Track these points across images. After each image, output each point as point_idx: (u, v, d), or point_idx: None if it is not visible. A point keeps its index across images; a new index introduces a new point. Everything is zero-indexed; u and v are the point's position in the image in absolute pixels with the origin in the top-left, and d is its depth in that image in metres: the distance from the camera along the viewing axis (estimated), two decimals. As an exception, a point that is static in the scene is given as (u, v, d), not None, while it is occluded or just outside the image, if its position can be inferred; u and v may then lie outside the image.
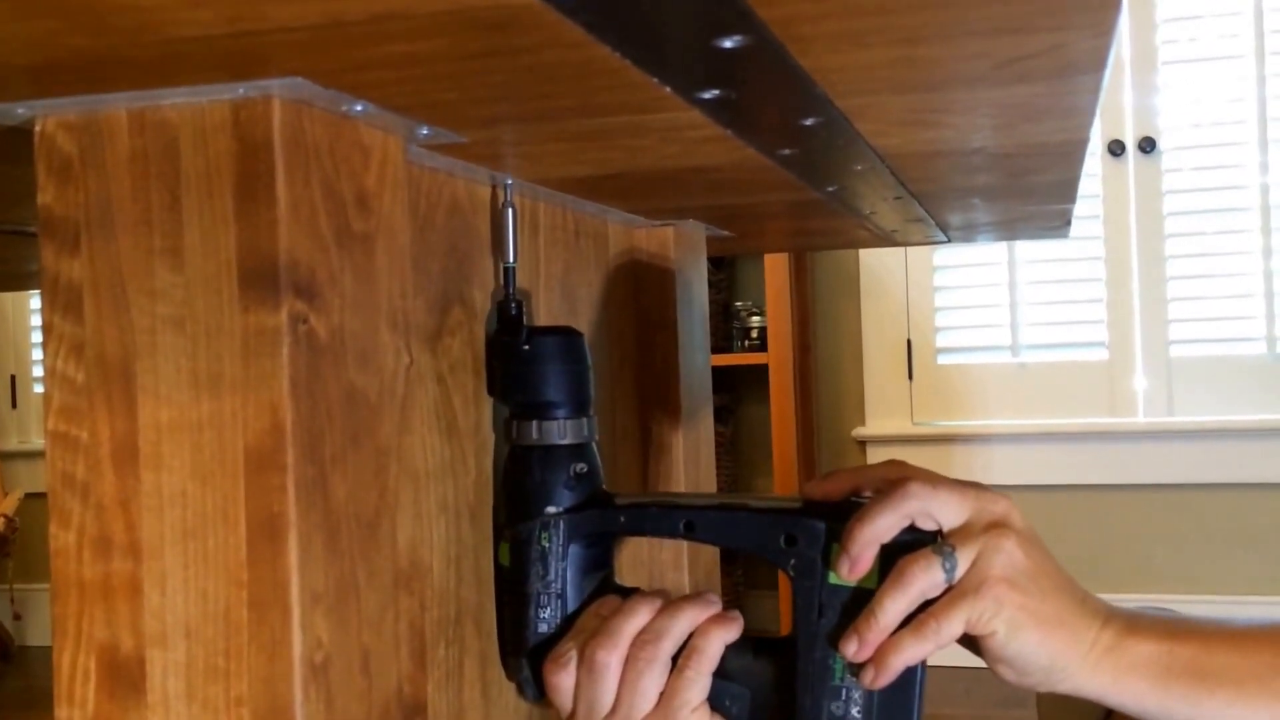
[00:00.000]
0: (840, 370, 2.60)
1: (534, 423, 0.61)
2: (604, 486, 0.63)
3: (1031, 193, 0.80)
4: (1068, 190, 0.78)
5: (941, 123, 0.54)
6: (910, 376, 2.60)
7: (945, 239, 1.11)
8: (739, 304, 2.47)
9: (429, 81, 0.43)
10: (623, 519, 0.61)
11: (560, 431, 0.61)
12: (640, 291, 0.90)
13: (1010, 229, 1.07)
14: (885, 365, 2.59)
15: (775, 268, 2.30)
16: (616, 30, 0.37)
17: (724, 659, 0.57)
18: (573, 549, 0.60)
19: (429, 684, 0.58)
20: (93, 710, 0.43)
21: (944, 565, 0.54)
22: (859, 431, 2.59)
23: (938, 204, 0.85)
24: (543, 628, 0.60)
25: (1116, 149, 2.47)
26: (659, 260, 0.90)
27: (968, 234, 1.11)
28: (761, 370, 2.54)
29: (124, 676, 0.43)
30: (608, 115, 0.51)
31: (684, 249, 0.93)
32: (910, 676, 0.55)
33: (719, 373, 2.61)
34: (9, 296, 2.91)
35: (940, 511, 0.55)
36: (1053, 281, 2.51)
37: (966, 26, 0.39)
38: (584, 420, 0.62)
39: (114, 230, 0.43)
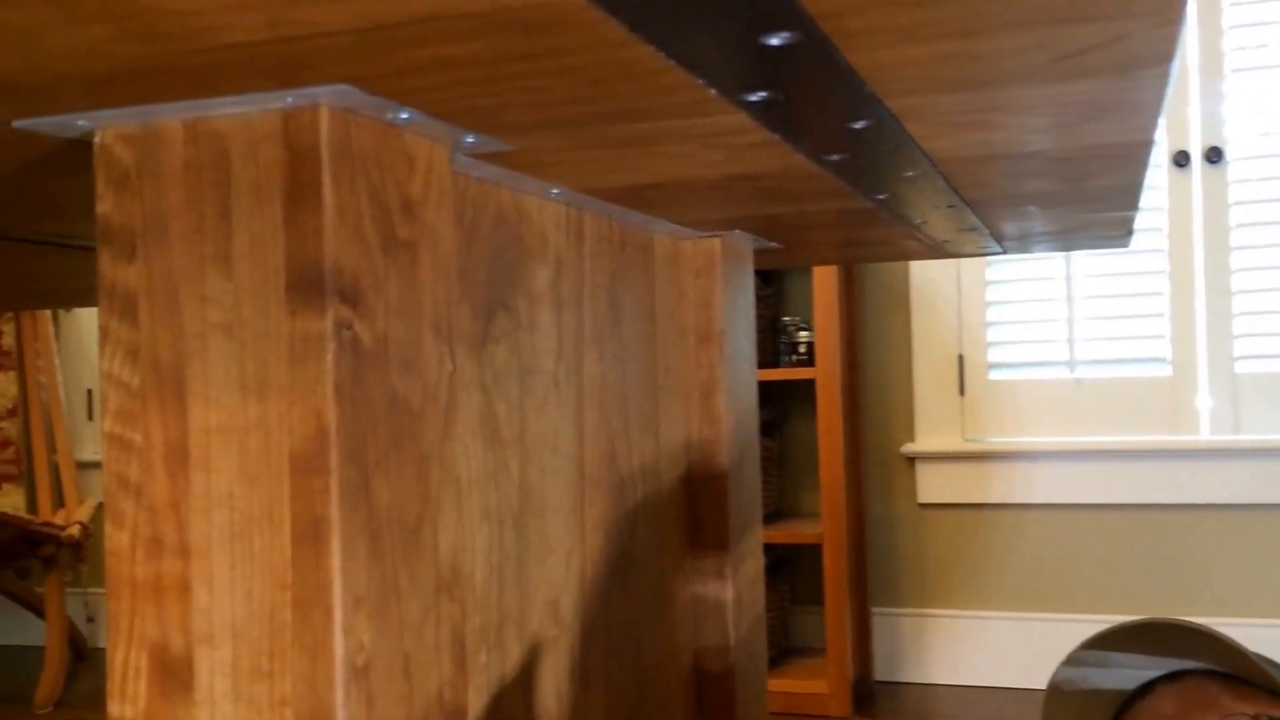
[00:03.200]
0: (889, 386, 2.58)
1: None
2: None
3: (1091, 199, 0.78)
4: (1129, 196, 0.77)
5: (996, 123, 0.53)
6: (962, 392, 2.57)
7: (999, 250, 1.09)
8: (787, 319, 2.46)
9: (470, 86, 0.44)
10: None
11: None
12: (686, 303, 0.90)
13: (1068, 239, 1.05)
14: (936, 381, 2.56)
15: (824, 282, 2.29)
16: (660, 28, 0.37)
17: None
18: None
19: (470, 689, 0.58)
20: (144, 706, 0.44)
21: None
22: (908, 448, 2.57)
23: (992, 212, 0.84)
24: None
25: (1181, 160, 2.42)
26: (706, 271, 0.90)
27: (1023, 244, 1.10)
28: (809, 385, 2.52)
29: (173, 674, 0.44)
30: (652, 120, 0.51)
31: (731, 260, 0.92)
32: None
33: (766, 387, 2.60)
34: (84, 314, 2.99)
35: None
36: (1112, 296, 2.47)
37: (1022, 16, 0.38)
38: None
39: (168, 238, 0.44)
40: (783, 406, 2.59)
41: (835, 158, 0.59)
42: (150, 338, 0.44)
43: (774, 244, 0.99)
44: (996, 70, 0.46)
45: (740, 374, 0.94)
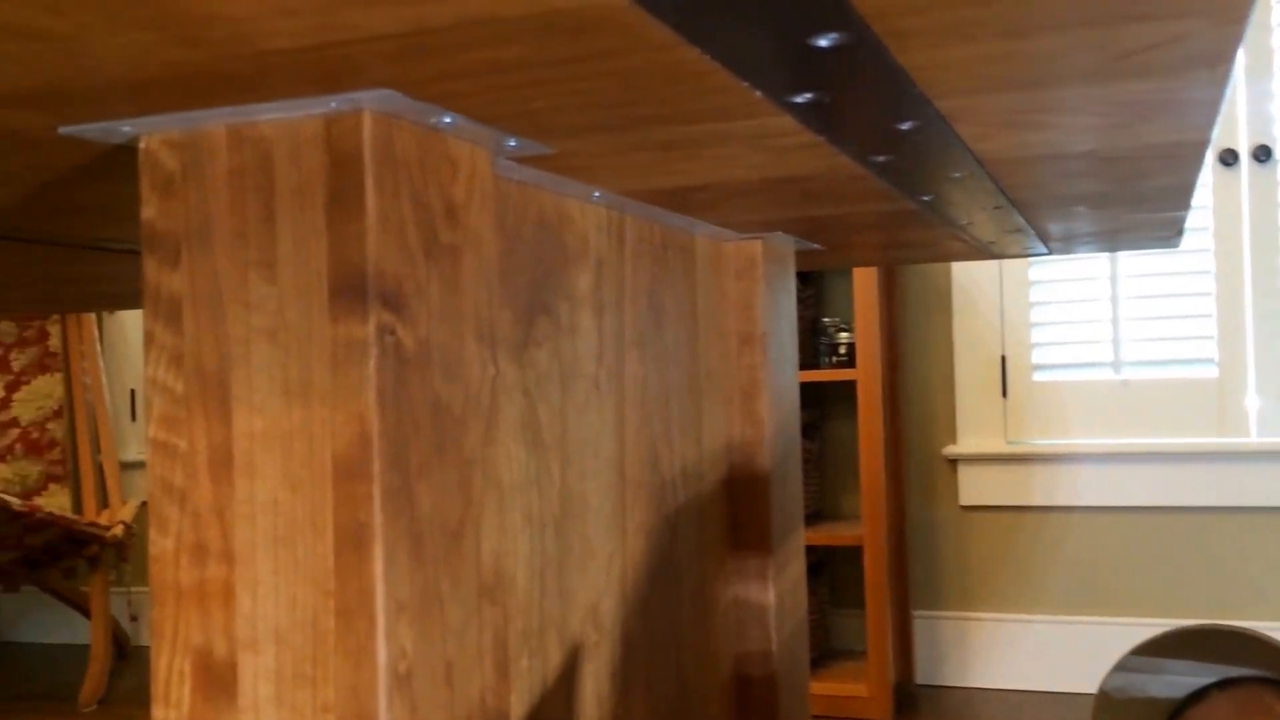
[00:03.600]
0: (931, 387, 2.55)
1: None
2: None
3: (1142, 200, 0.77)
4: (1182, 197, 0.75)
5: (1048, 124, 0.52)
6: (1004, 393, 2.54)
7: (1045, 251, 1.08)
8: (826, 319, 2.44)
9: (515, 90, 0.43)
10: None
11: None
12: (728, 305, 0.89)
13: (1116, 239, 1.04)
14: (978, 382, 2.53)
15: (864, 282, 2.27)
16: (706, 30, 0.36)
17: None
18: None
19: (511, 695, 0.58)
20: (188, 712, 0.44)
21: None
22: (950, 450, 2.54)
23: (1039, 213, 0.82)
24: None
25: (1229, 159, 2.38)
26: (747, 274, 0.90)
27: (1068, 245, 1.08)
28: (849, 386, 2.50)
29: (217, 679, 0.44)
30: (696, 123, 0.51)
31: (772, 262, 0.92)
32: None
33: (806, 389, 2.58)
34: (129, 316, 3.03)
35: None
36: (1157, 295, 2.43)
37: (1081, 15, 0.37)
38: None
39: (212, 243, 0.44)
40: (823, 408, 2.57)
41: (881, 159, 0.58)
42: (195, 343, 0.44)
43: (815, 245, 0.98)
44: (1051, 70, 0.45)
45: (782, 376, 0.93)
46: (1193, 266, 2.43)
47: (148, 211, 0.42)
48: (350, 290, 0.42)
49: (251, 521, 0.43)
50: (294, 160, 0.43)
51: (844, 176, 0.63)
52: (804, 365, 2.41)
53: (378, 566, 0.42)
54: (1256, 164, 2.39)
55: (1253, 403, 2.41)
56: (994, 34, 0.40)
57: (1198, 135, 0.57)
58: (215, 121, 0.42)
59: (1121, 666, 1.27)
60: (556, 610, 0.62)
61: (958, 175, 0.64)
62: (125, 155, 0.43)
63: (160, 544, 0.43)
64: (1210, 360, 2.45)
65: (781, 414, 0.92)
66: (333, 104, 0.41)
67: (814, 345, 2.45)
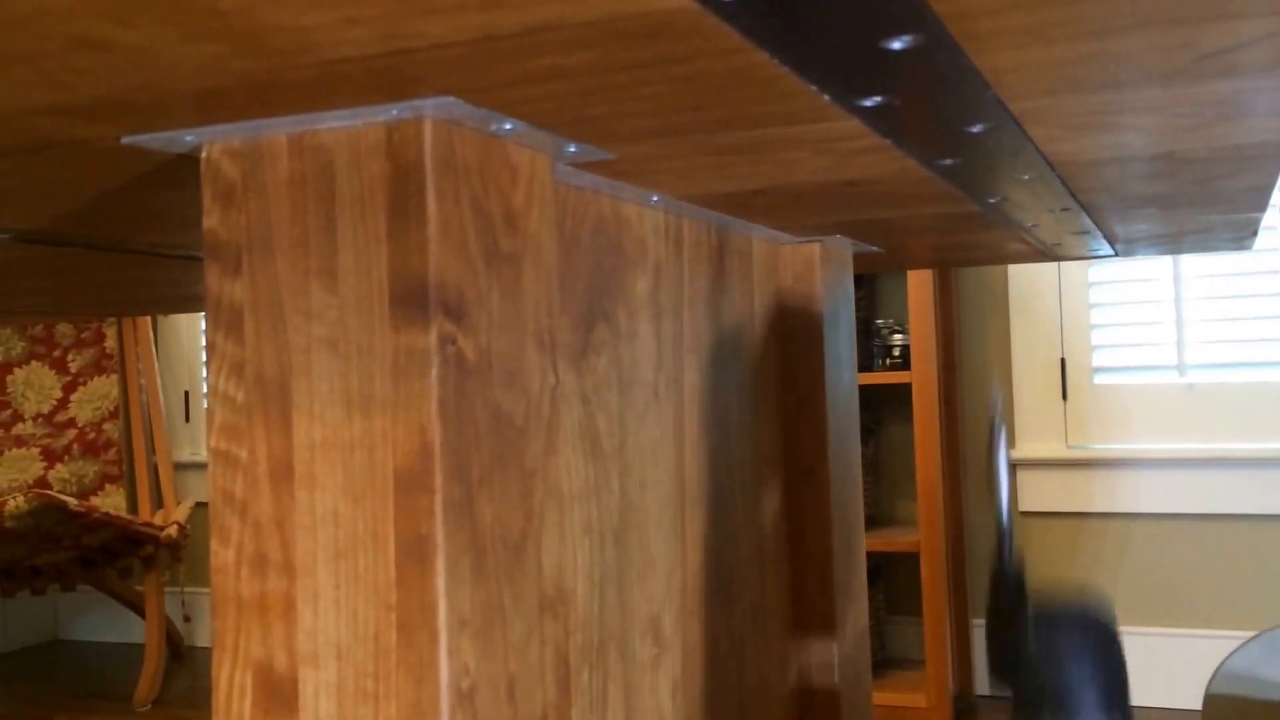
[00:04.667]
0: (988, 390, 2.52)
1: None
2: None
3: (1217, 201, 0.74)
4: (1259, 198, 0.73)
5: (1124, 125, 0.51)
6: (1064, 397, 2.50)
7: (1111, 253, 1.05)
8: (880, 321, 2.41)
9: (579, 96, 0.43)
10: None
11: None
12: (785, 309, 0.88)
13: (1183, 241, 1.01)
14: (1037, 385, 2.49)
15: (919, 284, 2.24)
16: (776, 35, 0.36)
17: None
18: None
19: (572, 711, 0.57)
20: (247, 727, 0.44)
21: None
22: (1008, 454, 2.50)
23: (1107, 215, 0.80)
24: None
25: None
26: (805, 277, 0.89)
27: (1133, 247, 1.05)
28: (904, 389, 2.48)
29: (278, 694, 0.44)
30: (761, 127, 0.50)
31: (830, 266, 0.90)
32: None
33: (861, 391, 2.56)
34: (183, 318, 3.08)
35: None
36: (1224, 296, 2.37)
37: (1168, 14, 0.36)
38: None
39: (273, 252, 0.44)
40: (877, 411, 2.54)
41: (948, 162, 0.57)
42: (256, 353, 0.44)
43: (874, 248, 0.97)
44: (1132, 70, 0.44)
45: (841, 380, 0.92)
46: (1260, 266, 2.37)
47: (209, 221, 0.43)
48: (411, 299, 0.42)
49: (312, 533, 0.43)
50: (355, 169, 0.42)
51: (909, 180, 0.61)
52: (857, 368, 2.38)
53: (440, 580, 0.42)
54: (1329, 160, 2.33)
55: (1325, 407, 2.35)
56: (1076, 35, 0.38)
57: (1278, 135, 0.55)
58: (276, 130, 0.42)
59: (1227, 673, 1.23)
60: (616, 623, 0.62)
61: (1026, 178, 0.62)
62: (188, 164, 0.43)
63: (222, 555, 0.43)
64: (1279, 363, 2.39)
65: (840, 419, 0.91)
66: (394, 112, 0.41)
67: (867, 348, 2.43)
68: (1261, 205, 0.77)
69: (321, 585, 0.43)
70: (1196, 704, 2.20)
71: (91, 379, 2.84)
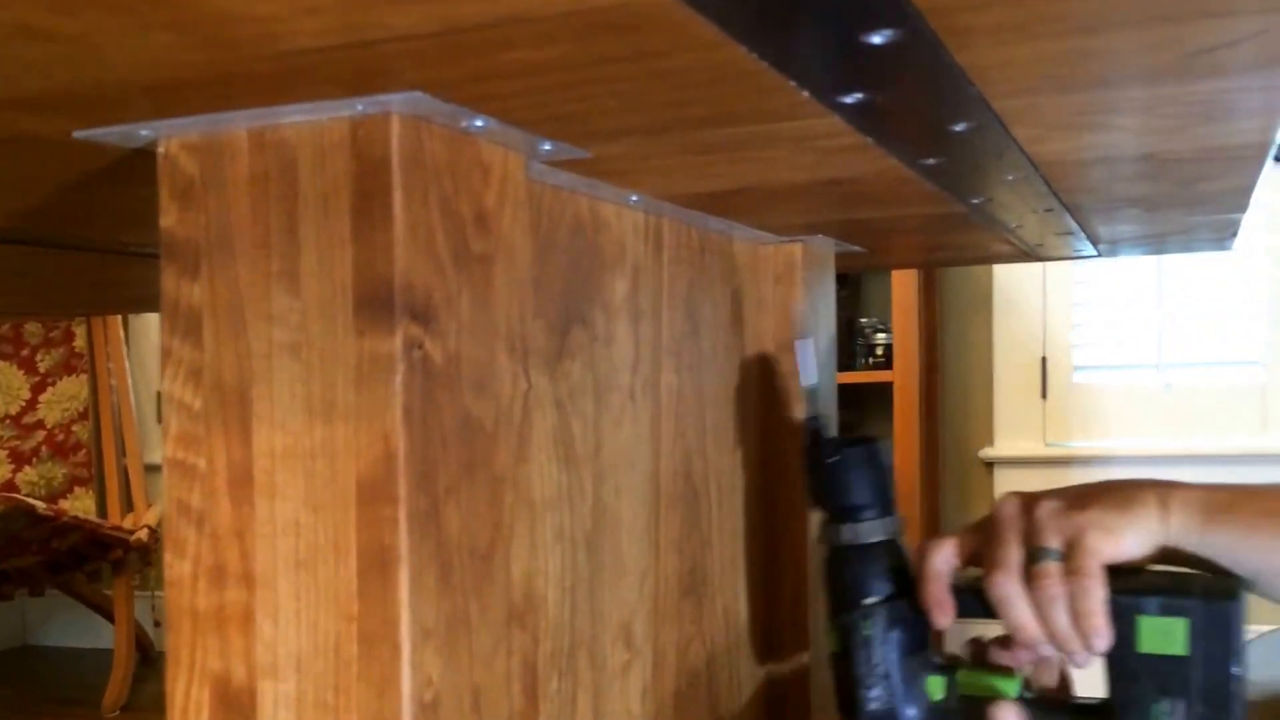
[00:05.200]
0: (969, 389, 2.52)
1: (846, 525, 0.68)
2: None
3: (1200, 202, 0.74)
4: (1240, 199, 0.72)
5: (1108, 125, 0.50)
6: (1044, 395, 2.50)
7: (1094, 253, 1.05)
8: (864, 320, 2.41)
9: (552, 92, 0.41)
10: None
11: (870, 531, 0.68)
12: (766, 310, 0.87)
13: (1166, 241, 1.01)
14: (1017, 383, 2.49)
15: (902, 283, 2.24)
16: (754, 28, 0.34)
17: (1047, 718, 0.64)
18: (893, 634, 0.66)
19: (541, 719, 0.56)
20: (204, 744, 0.43)
21: (1050, 558, 0.61)
22: (986, 452, 2.51)
23: (1091, 216, 0.80)
24: (873, 705, 0.66)
25: None
26: (786, 278, 0.87)
27: (1117, 247, 1.05)
28: (886, 388, 2.47)
29: (236, 707, 0.42)
30: (740, 124, 0.49)
31: (812, 266, 0.89)
32: None
33: (841, 390, 2.54)
34: (154, 317, 3.04)
35: (1018, 559, 0.63)
36: (1203, 296, 2.38)
37: (1157, 10, 0.35)
38: (890, 519, 0.69)
39: (233, 253, 0.42)
40: (859, 410, 2.54)
41: (931, 162, 0.56)
42: (214, 358, 0.42)
43: (857, 248, 0.96)
44: (1118, 69, 0.43)
45: (821, 383, 0.91)
46: (1240, 266, 2.38)
47: (166, 219, 0.41)
48: (376, 303, 0.41)
49: (272, 544, 0.42)
50: (318, 166, 0.41)
51: (891, 180, 0.60)
52: (840, 367, 2.37)
53: (403, 592, 0.40)
54: (1308, 161, 2.34)
55: (1303, 407, 2.36)
56: (1060, 31, 0.37)
57: (1262, 136, 0.55)
58: (236, 125, 0.40)
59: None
60: (587, 629, 0.61)
61: (1011, 178, 0.61)
62: (145, 159, 0.41)
63: (177, 567, 0.42)
64: (1256, 362, 2.40)
65: (820, 423, 0.90)
66: (359, 106, 0.39)
67: (850, 346, 2.42)
68: (1242, 206, 0.77)
69: (281, 597, 0.42)
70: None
71: (60, 379, 2.79)
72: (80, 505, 2.76)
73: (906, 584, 0.67)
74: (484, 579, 0.46)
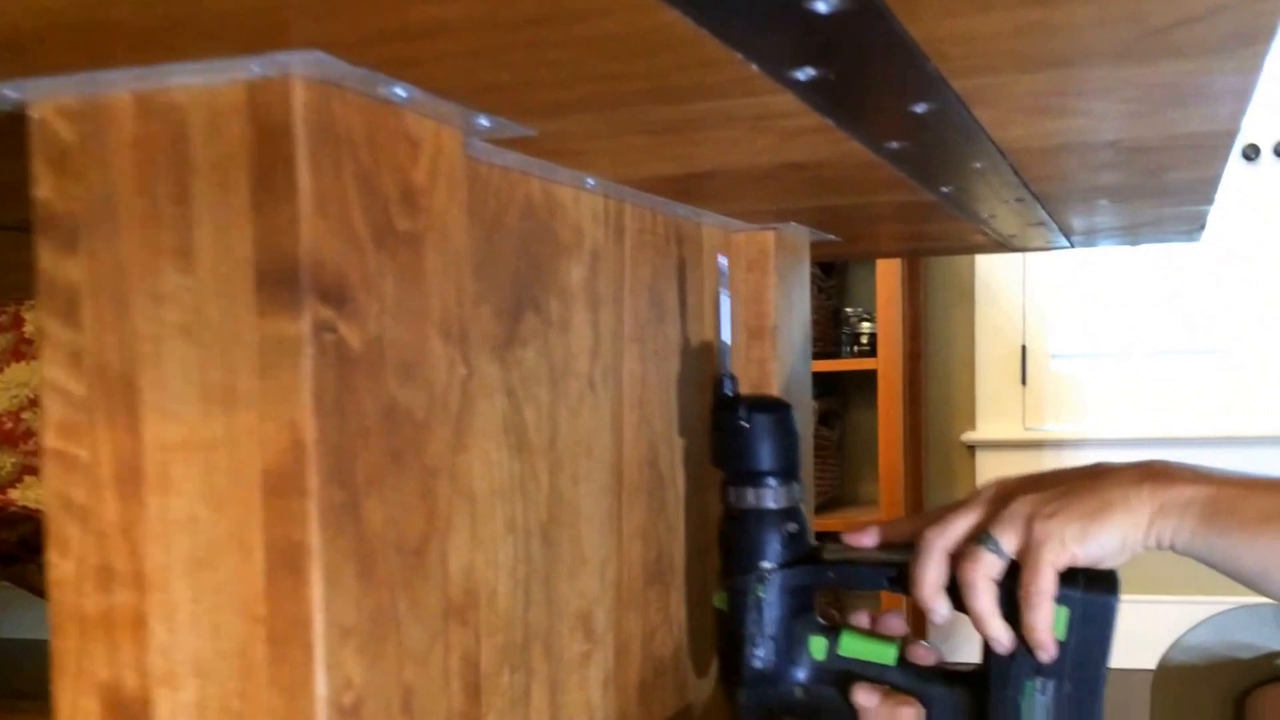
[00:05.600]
0: (951, 376, 2.45)
1: (749, 489, 0.64)
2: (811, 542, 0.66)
3: (1167, 193, 0.67)
4: (1206, 190, 0.66)
5: (1072, 109, 0.44)
6: (1024, 381, 2.43)
7: (1067, 244, 0.98)
8: (849, 310, 2.34)
9: (474, 58, 0.35)
10: (831, 574, 0.64)
11: (773, 497, 0.64)
12: (737, 299, 0.81)
13: (1138, 233, 0.94)
14: (998, 369, 2.43)
15: (887, 273, 2.17)
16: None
17: (923, 690, 0.61)
18: (784, 598, 0.64)
19: (491, 714, 0.50)
20: (100, 753, 0.37)
21: (988, 547, 0.57)
22: (968, 436, 2.44)
23: (1062, 206, 0.73)
24: (758, 663, 0.64)
25: (1251, 153, 2.25)
26: (758, 266, 0.81)
27: (1091, 238, 0.98)
28: (870, 375, 2.40)
29: (128, 718, 0.37)
30: (689, 101, 0.42)
31: (785, 254, 0.83)
32: (1090, 705, 0.58)
33: (827, 378, 2.48)
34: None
35: (959, 532, 0.59)
36: (1177, 286, 2.31)
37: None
38: (794, 485, 0.65)
39: (117, 227, 0.36)
40: (844, 397, 2.48)
41: (895, 145, 0.49)
42: (96, 341, 0.36)
43: (833, 237, 0.90)
44: (1077, 46, 0.37)
45: (794, 372, 0.85)
46: (1214, 257, 2.31)
47: (40, 190, 0.35)
48: (280, 282, 0.35)
49: (166, 542, 0.36)
50: (212, 132, 0.35)
51: (857, 164, 0.54)
52: (826, 355, 2.31)
53: (315, 590, 0.35)
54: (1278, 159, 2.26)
55: (1265, 389, 2.30)
56: (1015, 3, 0.31)
57: (1227, 125, 0.48)
58: (119, 87, 0.34)
59: (1182, 643, 1.16)
60: (543, 620, 0.55)
61: (978, 166, 0.55)
62: (15, 124, 0.35)
63: (61, 567, 0.36)
64: (1227, 350, 2.33)
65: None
66: (255, 68, 0.33)
67: (836, 335, 2.36)
68: (1209, 198, 0.70)
69: (177, 598, 0.36)
70: (1150, 664, 2.15)
71: (8, 365, 2.65)
72: (31, 494, 2.63)
73: (803, 550, 0.64)
74: (415, 574, 0.40)
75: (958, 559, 0.58)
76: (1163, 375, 2.33)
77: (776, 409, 0.64)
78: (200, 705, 0.36)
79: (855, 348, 2.29)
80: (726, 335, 0.66)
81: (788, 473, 0.64)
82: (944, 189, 0.62)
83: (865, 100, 0.43)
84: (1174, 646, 1.26)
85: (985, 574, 0.57)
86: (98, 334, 0.35)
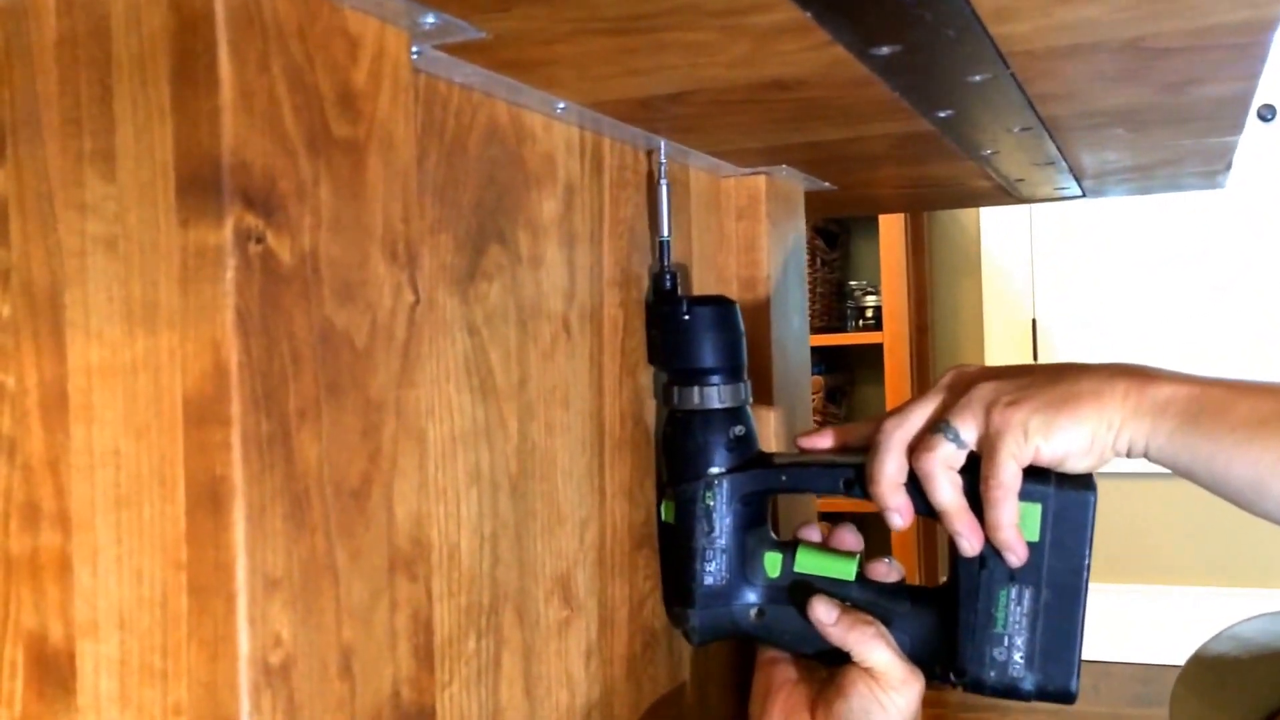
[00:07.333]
0: (959, 350, 2.43)
1: (694, 388, 0.61)
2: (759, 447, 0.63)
3: (1191, 117, 0.65)
4: (1236, 113, 0.63)
5: (1082, -7, 0.41)
6: (1035, 357, 2.41)
7: (1079, 192, 0.96)
8: (853, 283, 2.32)
9: (409, -66, 0.33)
10: (784, 478, 0.61)
11: (719, 396, 0.61)
12: (728, 247, 0.79)
13: (1155, 176, 0.91)
14: (1008, 345, 2.40)
15: (891, 245, 2.14)
16: None
17: (885, 606, 0.59)
18: (735, 507, 0.61)
19: (454, 682, 0.48)
20: (20, 711, 0.35)
21: (945, 435, 0.54)
22: (981, 414, 2.41)
23: (1072, 137, 0.71)
24: (709, 580, 0.61)
25: (1267, 114, 2.22)
26: (749, 213, 0.79)
27: (1103, 184, 0.96)
28: (876, 350, 2.38)
29: (53, 672, 0.34)
30: (653, -3, 0.40)
31: (778, 201, 0.81)
32: (1069, 627, 0.55)
33: (832, 352, 2.46)
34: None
35: (917, 422, 0.56)
36: (1188, 258, 2.29)
37: None
38: (740, 385, 0.62)
39: (41, 132, 0.34)
40: (850, 372, 2.46)
41: (884, 50, 0.47)
42: (23, 257, 0.34)
43: (827, 184, 0.87)
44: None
45: (789, 325, 0.83)
46: (1232, 227, 2.29)
47: (-58, 87, 0.33)
48: (201, 185, 0.32)
49: (89, 477, 0.34)
50: (133, 23, 0.33)
51: (844, 80, 0.52)
52: (830, 329, 2.29)
53: (237, 534, 0.33)
54: (1301, 118, 2.24)
55: (1293, 366, 2.27)
56: None
57: (1266, 12, 0.45)
58: (24, -27, 0.32)
59: (1212, 645, 1.13)
60: (514, 582, 0.53)
61: (979, 78, 0.52)
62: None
63: (-29, 504, 0.34)
64: (1249, 324, 2.31)
65: (787, 365, 0.81)
66: (166, -56, 0.31)
67: (840, 309, 2.34)
68: (1237, 125, 0.68)
69: (101, 540, 0.34)
70: (1158, 658, 2.13)
71: None
72: None
73: (751, 453, 0.62)
74: (355, 519, 0.38)
75: (914, 450, 0.54)
76: (1184, 349, 2.31)
77: (720, 302, 0.62)
78: (122, 660, 0.34)
79: (860, 322, 2.27)
80: (665, 229, 0.63)
81: (733, 370, 0.61)
82: (941, 113, 0.60)
83: (849, -8, 0.40)
84: (1216, 637, 1.23)
85: (943, 463, 0.53)
86: (24, 249, 0.33)
